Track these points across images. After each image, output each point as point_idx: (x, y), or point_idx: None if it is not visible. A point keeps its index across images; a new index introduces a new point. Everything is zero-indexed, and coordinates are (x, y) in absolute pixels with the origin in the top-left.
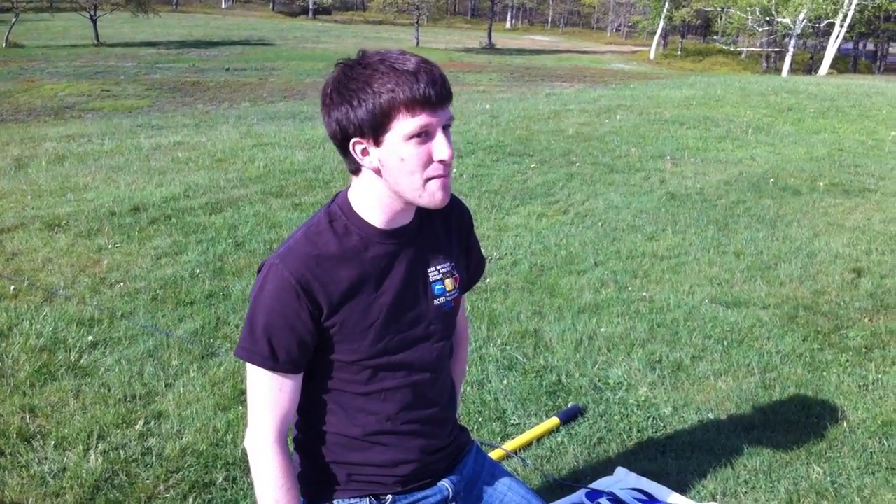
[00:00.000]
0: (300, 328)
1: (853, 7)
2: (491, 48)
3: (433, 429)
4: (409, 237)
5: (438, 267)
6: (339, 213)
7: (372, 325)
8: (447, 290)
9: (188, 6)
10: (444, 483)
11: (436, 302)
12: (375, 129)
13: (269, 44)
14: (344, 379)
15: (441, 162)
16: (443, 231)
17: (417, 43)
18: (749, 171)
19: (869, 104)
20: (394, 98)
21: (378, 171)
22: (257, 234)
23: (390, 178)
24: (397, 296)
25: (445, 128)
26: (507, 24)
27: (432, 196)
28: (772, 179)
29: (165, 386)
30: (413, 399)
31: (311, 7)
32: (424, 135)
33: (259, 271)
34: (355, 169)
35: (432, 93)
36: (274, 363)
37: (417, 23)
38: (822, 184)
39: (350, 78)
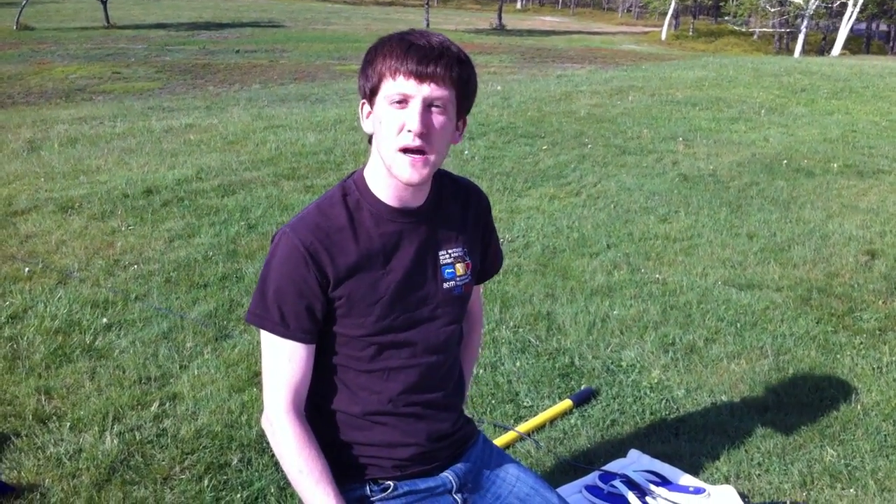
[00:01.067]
0: (308, 294)
1: None
2: (501, 29)
3: (436, 413)
4: (422, 218)
5: (450, 251)
6: (353, 188)
7: (378, 300)
8: (458, 274)
9: None
10: (448, 474)
11: (445, 285)
12: (371, 92)
13: (280, 25)
14: (348, 355)
15: (410, 132)
16: (458, 216)
17: (427, 24)
18: (762, 152)
19: (882, 85)
20: (384, 63)
21: (374, 137)
22: (270, 217)
23: (377, 146)
24: (405, 274)
25: (430, 105)
26: (518, 5)
27: (401, 170)
28: (785, 161)
29: (180, 368)
30: (417, 380)
31: None
32: (403, 102)
33: (272, 241)
34: (369, 137)
35: (414, 64)
36: (285, 329)
37: (427, 4)
38: (835, 165)
39: (375, 47)
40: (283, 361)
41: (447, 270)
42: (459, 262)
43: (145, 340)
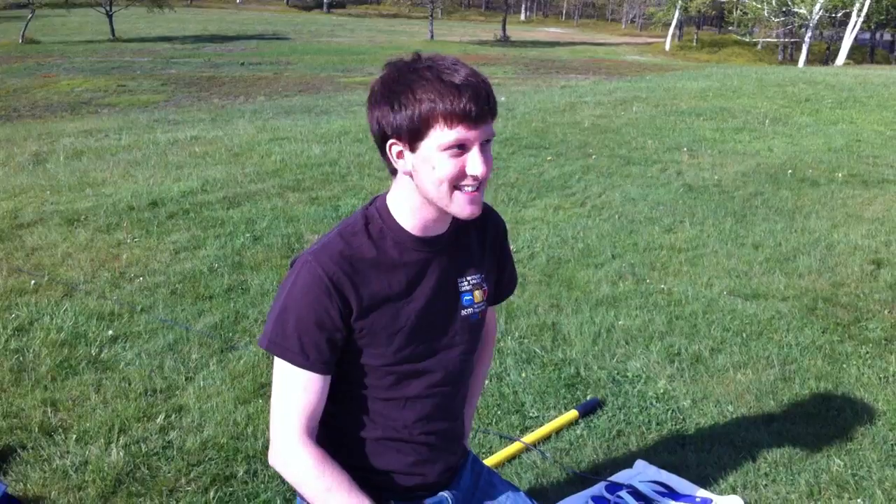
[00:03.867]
0: (329, 325)
1: None
2: (505, 41)
3: (447, 444)
4: (443, 246)
5: (469, 278)
6: (376, 217)
7: (399, 330)
8: (475, 301)
9: (203, 1)
10: (445, 494)
11: (463, 312)
12: (412, 135)
13: (284, 38)
14: (366, 383)
15: (474, 177)
16: (476, 242)
17: (432, 36)
18: (767, 162)
19: (887, 94)
20: (433, 108)
21: (410, 176)
22: (275, 229)
23: (421, 185)
24: (427, 303)
25: (485, 143)
26: (522, 17)
27: (461, 208)
28: (790, 171)
29: (185, 380)
30: (432, 410)
31: (325, 1)
32: (460, 147)
33: (291, 266)
34: (392, 171)
35: (473, 108)
36: (304, 360)
37: (432, 16)
38: (840, 175)
39: (397, 80)
40: (297, 391)
41: (466, 298)
42: (478, 289)
43: (151, 352)
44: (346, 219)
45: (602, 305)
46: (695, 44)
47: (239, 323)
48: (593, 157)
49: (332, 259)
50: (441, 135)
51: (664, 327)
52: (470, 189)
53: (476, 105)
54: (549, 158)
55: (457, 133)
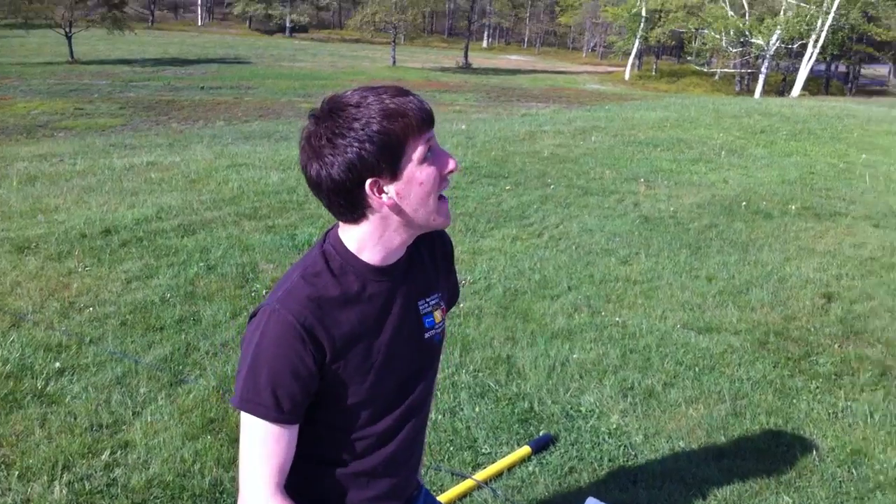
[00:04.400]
0: (305, 373)
1: (826, 29)
2: (467, 67)
3: (407, 477)
4: (402, 272)
5: (428, 299)
6: (333, 253)
7: (372, 366)
8: (436, 322)
9: (165, 24)
10: None
11: (427, 335)
12: (393, 161)
13: (246, 62)
14: (336, 422)
15: (449, 172)
16: (429, 261)
17: (394, 62)
18: (722, 193)
19: (840, 127)
20: (407, 124)
21: (393, 207)
22: (230, 258)
23: (409, 208)
24: (395, 333)
25: None
26: (484, 44)
27: (445, 216)
28: (744, 203)
29: (133, 414)
30: (399, 442)
31: (287, 25)
32: (430, 153)
33: (252, 318)
34: (359, 216)
35: (425, 113)
36: (278, 414)
37: (394, 42)
38: (793, 207)
39: (349, 119)
40: (269, 444)
41: (427, 320)
42: (437, 308)
43: (98, 386)
44: (302, 260)
45: (557, 338)
46: (654, 73)
47: (189, 355)
48: (552, 186)
49: (301, 304)
50: (417, 147)
51: (618, 361)
52: (443, 194)
53: (423, 106)
54: (507, 188)
55: (426, 139)
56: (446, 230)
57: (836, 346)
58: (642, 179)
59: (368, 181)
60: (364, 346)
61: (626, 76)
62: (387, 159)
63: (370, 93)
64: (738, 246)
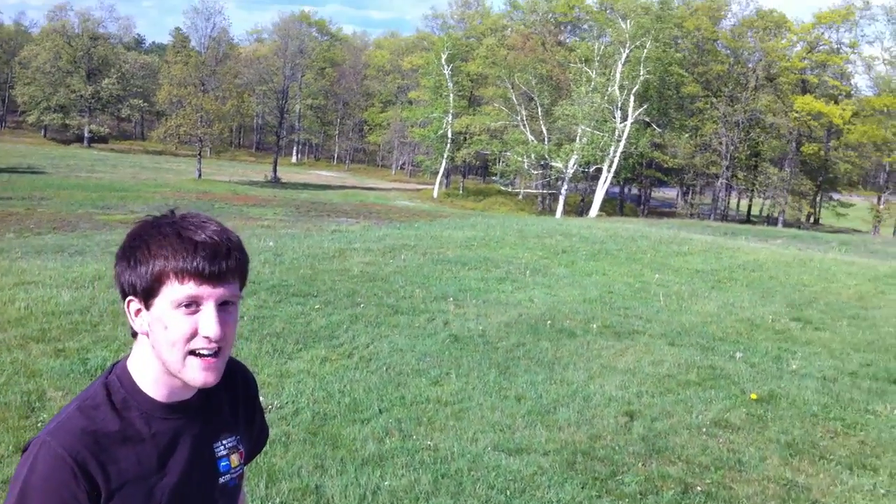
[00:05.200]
0: None
1: (618, 155)
2: (276, 182)
3: None
4: (194, 411)
5: (224, 442)
6: (117, 385)
7: None
8: (232, 466)
9: None
10: None
11: (221, 480)
12: (146, 292)
13: (40, 172)
14: None
15: (206, 339)
16: (228, 403)
17: (199, 175)
18: (528, 312)
19: (635, 248)
20: (165, 265)
21: (148, 337)
22: (14, 385)
23: (156, 346)
24: (182, 476)
25: (225, 304)
26: (293, 159)
27: (195, 374)
28: (549, 321)
29: None
30: None
31: (86, 135)
32: (194, 305)
33: (24, 451)
34: (133, 332)
35: (207, 266)
36: None
37: (200, 154)
38: (595, 326)
39: (138, 236)
40: None
41: (223, 463)
42: (234, 452)
43: None
44: (84, 391)
45: (368, 465)
46: (461, 192)
47: None
48: (362, 305)
49: (74, 437)
50: (172, 290)
51: (430, 487)
52: (206, 353)
53: (211, 263)
54: (317, 307)
55: (188, 289)
56: (248, 369)
57: (639, 464)
58: (451, 298)
59: (128, 298)
60: (144, 487)
61: (435, 194)
62: (142, 287)
63: (185, 223)
64: (544, 364)
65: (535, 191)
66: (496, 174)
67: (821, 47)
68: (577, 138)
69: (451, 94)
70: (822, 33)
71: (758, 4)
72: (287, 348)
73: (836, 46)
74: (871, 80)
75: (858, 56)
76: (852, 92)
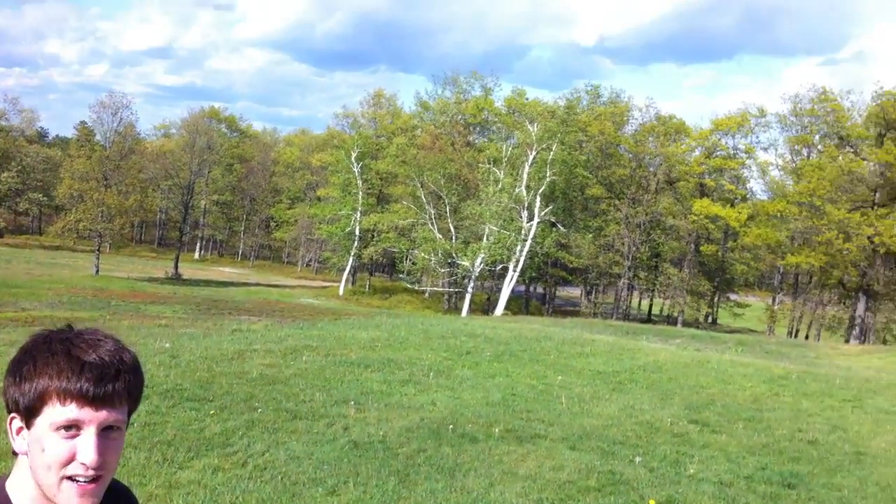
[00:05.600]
0: None
1: (524, 254)
2: (178, 279)
3: None
4: None
5: None
6: None
7: None
8: None
9: None
10: None
11: None
12: (28, 411)
13: None
14: None
15: (83, 465)
16: None
17: (97, 271)
18: (430, 416)
19: (539, 349)
20: (48, 384)
21: (27, 457)
22: None
23: (33, 468)
24: None
25: (108, 429)
26: (196, 255)
27: (69, 500)
28: (451, 426)
29: None
30: None
31: None
32: (74, 429)
33: None
34: (14, 451)
35: (91, 388)
36: None
37: (98, 250)
38: (497, 430)
39: (28, 351)
40: None
41: None
42: None
43: None
44: None
45: None
46: (367, 289)
47: None
48: (259, 410)
49: None
50: (53, 412)
51: None
52: (83, 480)
53: (96, 385)
54: (212, 412)
55: (69, 412)
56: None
57: None
58: (353, 402)
59: (11, 415)
60: None
61: (341, 291)
62: (24, 405)
63: (78, 340)
64: (445, 471)
65: (441, 289)
66: (403, 272)
67: (718, 153)
68: (485, 237)
69: (360, 192)
70: (720, 139)
71: (657, 110)
72: (178, 457)
73: (732, 152)
74: (765, 184)
75: (754, 161)
76: (748, 196)
